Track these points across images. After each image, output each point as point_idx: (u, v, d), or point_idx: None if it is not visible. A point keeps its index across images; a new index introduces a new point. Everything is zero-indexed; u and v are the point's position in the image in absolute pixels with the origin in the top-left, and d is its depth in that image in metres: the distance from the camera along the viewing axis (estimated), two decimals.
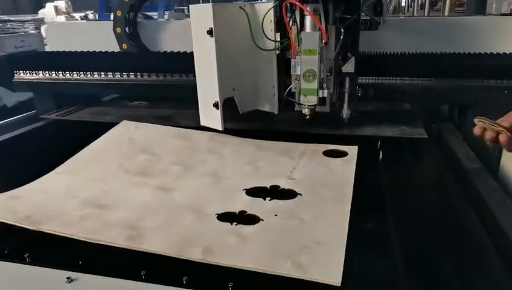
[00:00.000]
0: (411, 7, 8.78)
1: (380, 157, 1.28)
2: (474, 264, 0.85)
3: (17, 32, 5.44)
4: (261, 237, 0.84)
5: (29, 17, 6.17)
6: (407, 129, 1.44)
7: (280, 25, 1.37)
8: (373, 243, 0.88)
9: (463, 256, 0.86)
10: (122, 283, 0.74)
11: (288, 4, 1.28)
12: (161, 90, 1.62)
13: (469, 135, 1.43)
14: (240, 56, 1.40)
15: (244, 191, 1.03)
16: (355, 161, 1.18)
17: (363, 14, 1.47)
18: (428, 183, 1.16)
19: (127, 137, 1.35)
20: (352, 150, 1.25)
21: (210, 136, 1.35)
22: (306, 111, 1.38)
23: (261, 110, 1.50)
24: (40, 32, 5.27)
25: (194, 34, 1.30)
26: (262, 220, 0.90)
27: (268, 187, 1.05)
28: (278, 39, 1.41)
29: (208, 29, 1.24)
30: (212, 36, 1.24)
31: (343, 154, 1.24)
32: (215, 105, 1.31)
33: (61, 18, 5.87)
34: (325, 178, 1.09)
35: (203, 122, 1.38)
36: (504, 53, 1.49)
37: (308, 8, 1.30)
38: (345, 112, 1.47)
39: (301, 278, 0.72)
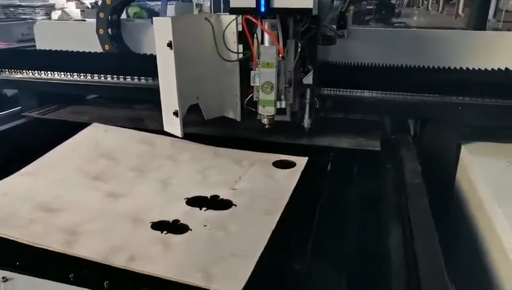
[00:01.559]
0: (426, 0, 8.68)
1: (328, 169, 1.32)
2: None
3: (27, 19, 5.54)
4: (183, 247, 0.92)
5: (39, 2, 6.27)
6: (363, 141, 1.50)
7: (242, 37, 1.43)
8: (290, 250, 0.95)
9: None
10: (52, 285, 0.83)
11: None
12: (140, 93, 1.69)
13: (426, 148, 1.51)
14: (204, 65, 1.48)
15: (185, 200, 1.11)
16: (299, 172, 1.25)
17: (327, 27, 1.51)
18: (364, 196, 1.21)
19: (93, 140, 1.44)
20: (301, 161, 1.31)
21: (172, 142, 1.43)
22: (265, 121, 1.45)
23: (227, 116, 1.57)
24: (50, 18, 5.36)
25: (157, 45, 1.37)
26: (191, 230, 0.98)
27: (208, 197, 1.12)
28: (241, 50, 1.47)
29: (168, 41, 1.32)
30: (171, 48, 1.31)
31: (291, 165, 1.31)
32: (175, 113, 1.39)
33: (72, 4, 5.96)
34: (265, 189, 1.16)
35: (166, 128, 1.46)
36: (467, 68, 1.53)
37: (266, 24, 1.36)
38: (306, 122, 1.54)
39: (205, 287, 0.80)
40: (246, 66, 1.50)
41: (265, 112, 1.42)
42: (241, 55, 1.46)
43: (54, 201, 1.08)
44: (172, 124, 1.41)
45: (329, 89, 1.55)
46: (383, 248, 0.97)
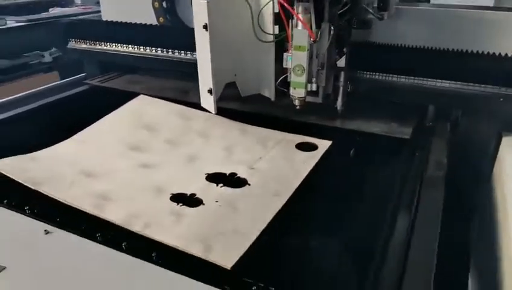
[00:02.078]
0: None
1: (350, 154, 1.36)
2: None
3: None
4: (193, 220, 1.03)
5: None
6: (395, 127, 1.49)
7: (279, 18, 1.46)
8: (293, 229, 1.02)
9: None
10: (83, 241, 0.99)
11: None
12: (188, 67, 1.77)
13: (464, 138, 1.48)
14: (242, 45, 1.53)
15: (206, 175, 1.22)
16: (319, 156, 1.30)
17: (365, 9, 1.50)
18: (380, 184, 1.23)
19: (138, 112, 1.59)
20: (323, 145, 1.36)
21: (207, 117, 1.53)
22: (296, 102, 1.50)
23: (262, 95, 1.64)
24: None
25: (195, 25, 1.45)
26: (204, 204, 1.09)
27: (227, 174, 1.22)
28: (277, 31, 1.51)
29: (203, 24, 1.40)
30: (206, 30, 1.39)
31: (314, 147, 1.36)
32: (209, 91, 1.48)
33: None
34: (281, 171, 1.22)
35: (203, 103, 1.57)
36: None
37: (300, 7, 1.38)
38: (338, 104, 1.56)
39: (203, 258, 0.92)
40: (282, 46, 1.52)
41: (296, 93, 1.46)
42: (276, 37, 1.48)
43: (94, 167, 1.24)
44: (207, 101, 1.51)
45: (365, 72, 1.56)
46: (378, 240, 1.01)
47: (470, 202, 1.47)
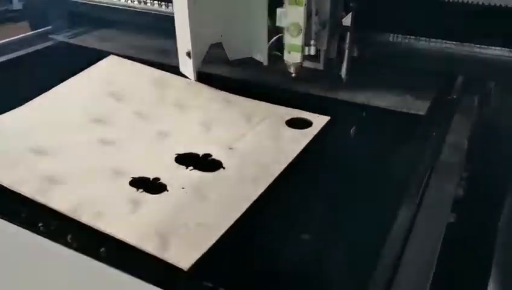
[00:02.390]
0: None
1: (351, 133, 1.33)
2: None
3: None
4: (152, 209, 1.03)
5: None
6: (410, 100, 1.45)
7: None
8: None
9: None
10: (23, 232, 1.00)
11: None
12: (169, 23, 1.74)
13: (494, 117, 1.43)
14: (235, 2, 1.51)
15: (176, 156, 1.21)
16: (312, 135, 1.27)
17: None
18: (383, 171, 1.20)
19: (106, 77, 1.57)
20: (319, 121, 1.33)
21: (187, 85, 1.51)
22: (291, 69, 1.47)
23: (254, 59, 1.61)
24: None
25: None
26: (168, 191, 1.08)
27: (200, 155, 1.21)
28: None
29: None
30: None
31: (308, 124, 1.33)
32: (188, 54, 1.45)
33: None
34: (264, 152, 1.20)
35: (181, 68, 1.54)
36: None
37: None
38: (343, 72, 1.52)
39: (157, 256, 0.91)
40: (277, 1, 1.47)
41: (291, 58, 1.43)
42: None
43: (46, 142, 1.23)
44: (186, 66, 1.48)
45: (377, 32, 1.52)
46: (372, 236, 0.99)
47: (497, 195, 1.43)
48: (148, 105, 1.44)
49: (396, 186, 1.15)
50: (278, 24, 1.41)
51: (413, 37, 1.47)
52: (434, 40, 1.45)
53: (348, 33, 1.45)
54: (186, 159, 1.19)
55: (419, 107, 1.41)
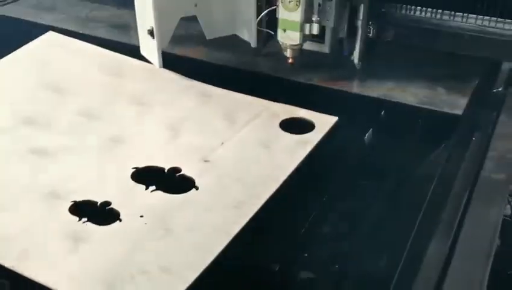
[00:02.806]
0: None
1: (366, 138, 1.28)
2: None
3: None
4: (100, 247, 0.94)
5: None
6: (442, 94, 1.39)
7: None
8: None
9: None
10: None
11: None
12: None
13: None
14: None
15: (133, 170, 1.12)
16: (315, 143, 1.20)
17: None
18: (405, 188, 1.16)
19: (42, 60, 1.48)
20: (324, 123, 1.25)
21: (150, 72, 1.43)
22: (288, 53, 1.39)
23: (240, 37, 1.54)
24: None
25: None
26: (121, 220, 1.00)
27: (165, 170, 1.12)
28: None
29: None
30: None
31: (309, 127, 1.26)
32: (150, 33, 1.37)
33: None
34: (251, 167, 1.13)
35: (143, 51, 1.46)
36: None
37: None
38: (356, 56, 1.45)
39: None
40: None
41: (288, 39, 1.36)
42: None
43: None
44: (148, 48, 1.41)
45: (400, 5, 1.48)
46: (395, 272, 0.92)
47: None
48: (97, 100, 1.36)
49: (427, 210, 1.08)
50: None
51: (447, 11, 1.44)
52: (473, 16, 1.41)
53: (362, 5, 1.38)
54: (146, 176, 1.12)
55: (455, 103, 1.36)
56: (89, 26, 1.72)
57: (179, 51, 1.54)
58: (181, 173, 1.12)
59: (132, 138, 1.23)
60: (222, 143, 1.20)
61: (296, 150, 1.18)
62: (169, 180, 1.11)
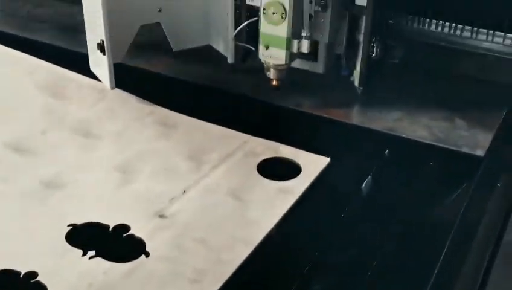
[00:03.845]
0: None
1: (365, 186, 1.24)
2: None
3: None
4: None
5: None
6: (461, 128, 1.38)
7: None
8: None
9: None
10: None
11: None
12: None
13: None
14: None
15: (70, 228, 1.07)
16: (300, 193, 1.17)
17: None
18: (413, 252, 1.11)
19: None
20: (313, 166, 1.23)
21: (98, 92, 1.41)
22: (271, 74, 1.37)
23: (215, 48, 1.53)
24: None
25: None
26: None
27: (110, 228, 1.08)
28: None
29: None
30: None
31: (293, 170, 1.24)
32: (100, 47, 1.33)
33: None
34: (219, 225, 1.09)
35: (93, 67, 1.44)
36: None
37: None
38: (357, 78, 1.43)
39: None
40: None
41: (271, 57, 1.33)
42: None
43: None
44: (98, 64, 1.38)
45: (410, 18, 1.47)
46: None
47: None
48: (31, 129, 1.32)
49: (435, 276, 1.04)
50: (248, 2, 1.36)
51: (468, 27, 1.42)
52: (500, 34, 1.40)
53: (364, 18, 1.36)
54: (84, 236, 1.07)
55: (476, 141, 1.35)
56: (29, 28, 1.69)
57: (139, 62, 1.53)
58: (129, 232, 1.07)
59: (72, 182, 1.19)
60: (184, 191, 1.16)
61: (275, 202, 1.15)
62: (114, 243, 1.07)
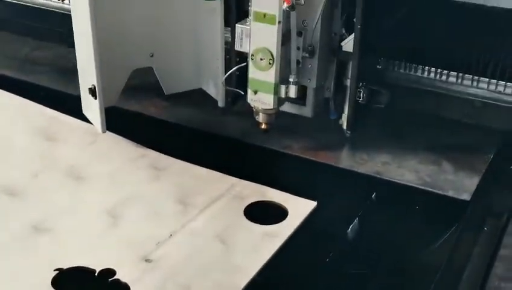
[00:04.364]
0: None
1: (350, 232, 1.23)
2: None
3: None
4: None
5: None
6: (448, 172, 1.37)
7: None
8: None
9: None
10: None
11: None
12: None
13: None
14: (167, 1, 1.44)
15: (55, 273, 1.06)
16: (286, 237, 1.16)
17: None
18: None
19: None
20: (300, 210, 1.23)
21: (90, 135, 1.42)
22: (260, 118, 1.36)
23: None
24: None
25: None
26: None
27: (96, 273, 1.07)
28: None
29: None
30: None
31: (280, 213, 1.24)
32: (92, 92, 1.34)
33: None
34: (206, 268, 1.09)
35: (85, 110, 1.43)
36: None
37: None
38: (345, 122, 1.43)
39: None
40: (241, 6, 1.42)
41: (259, 102, 1.33)
42: None
43: None
44: (90, 108, 1.38)
45: (396, 63, 1.48)
46: None
47: None
48: (23, 172, 1.32)
49: None
50: (237, 48, 1.34)
51: (453, 73, 1.42)
52: (485, 80, 1.40)
53: (351, 63, 1.36)
54: (72, 281, 1.07)
55: (462, 185, 1.33)
56: (26, 70, 1.70)
57: (131, 104, 1.54)
58: (115, 277, 1.06)
59: (61, 226, 1.18)
60: (170, 235, 1.16)
61: (261, 246, 1.15)
62: (99, 288, 1.06)
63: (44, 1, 1.78)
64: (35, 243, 1.15)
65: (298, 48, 1.31)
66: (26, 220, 1.20)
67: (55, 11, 1.77)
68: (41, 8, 1.78)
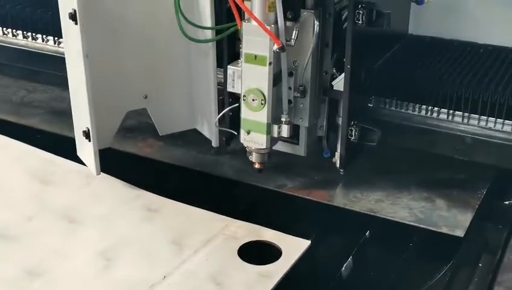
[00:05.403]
0: None
1: (344, 270, 1.22)
2: None
3: None
4: None
5: None
6: (442, 209, 1.36)
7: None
8: None
9: None
10: None
11: None
12: None
13: None
14: (157, 46, 1.45)
15: None
16: (279, 277, 1.15)
17: None
18: None
19: None
20: (293, 249, 1.22)
21: (85, 177, 1.42)
22: (253, 157, 1.36)
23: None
24: None
25: (61, 12, 1.33)
26: None
27: None
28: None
29: (71, 11, 1.25)
30: (76, 23, 1.25)
31: (274, 253, 1.22)
32: (86, 134, 1.34)
33: None
34: None
35: (79, 152, 1.43)
36: None
37: None
38: (338, 160, 1.43)
39: None
40: (233, 47, 1.42)
41: (251, 142, 1.33)
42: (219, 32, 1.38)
43: None
44: (85, 150, 1.38)
45: (387, 102, 1.47)
46: None
47: None
48: (14, 215, 1.32)
49: None
50: (229, 89, 1.35)
51: (444, 110, 1.42)
52: (475, 116, 1.40)
53: (342, 102, 1.36)
54: None
55: (456, 221, 1.32)
56: (21, 113, 1.71)
57: (126, 145, 1.55)
58: None
59: (54, 270, 1.17)
60: (164, 277, 1.15)
61: (255, 286, 1.13)
62: None
63: (41, 45, 1.79)
64: (29, 287, 1.14)
65: (290, 88, 1.31)
66: (20, 264, 1.19)
67: (52, 55, 1.79)
68: (37, 52, 1.80)
